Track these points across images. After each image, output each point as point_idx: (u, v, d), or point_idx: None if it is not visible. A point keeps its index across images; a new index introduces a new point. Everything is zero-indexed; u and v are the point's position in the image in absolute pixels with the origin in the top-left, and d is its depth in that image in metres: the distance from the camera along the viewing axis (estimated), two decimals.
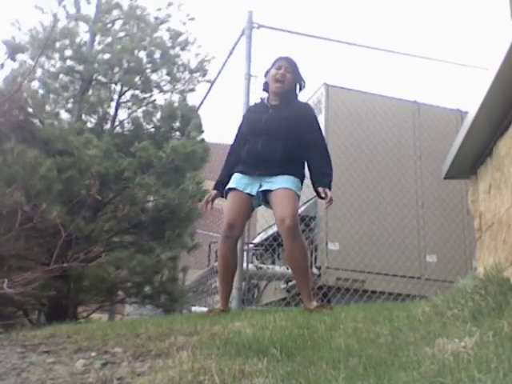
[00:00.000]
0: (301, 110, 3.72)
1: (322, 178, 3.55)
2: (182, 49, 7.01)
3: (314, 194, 3.70)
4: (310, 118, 3.72)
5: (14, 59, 6.02)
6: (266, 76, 3.81)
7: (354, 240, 5.57)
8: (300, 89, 3.78)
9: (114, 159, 5.98)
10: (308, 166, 3.64)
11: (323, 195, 3.49)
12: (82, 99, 6.63)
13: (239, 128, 3.84)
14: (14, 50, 5.85)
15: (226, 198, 3.63)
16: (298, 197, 3.51)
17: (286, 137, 3.53)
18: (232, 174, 3.63)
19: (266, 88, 3.79)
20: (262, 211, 6.51)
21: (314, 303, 3.33)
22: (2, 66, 5.64)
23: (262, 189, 3.48)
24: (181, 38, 7.03)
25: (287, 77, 3.65)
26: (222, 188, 3.65)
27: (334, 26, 38.76)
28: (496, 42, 2.05)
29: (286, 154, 3.50)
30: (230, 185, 3.56)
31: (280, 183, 3.44)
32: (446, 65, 6.62)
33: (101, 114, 6.76)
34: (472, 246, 5.14)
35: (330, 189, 3.51)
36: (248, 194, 3.50)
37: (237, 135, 3.83)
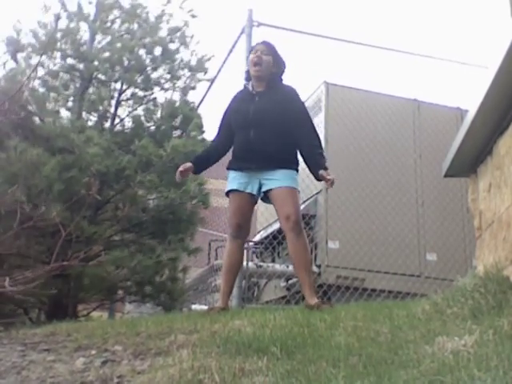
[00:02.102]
0: (287, 93, 3.64)
1: (319, 160, 3.46)
2: (181, 44, 7.00)
3: (314, 192, 3.73)
4: (296, 100, 3.64)
5: (16, 60, 6.02)
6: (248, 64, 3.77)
7: (354, 238, 5.56)
8: (282, 72, 3.68)
9: (115, 157, 5.98)
10: (300, 149, 3.56)
11: (328, 177, 3.35)
12: (83, 97, 6.63)
13: (223, 118, 3.74)
14: (15, 49, 5.85)
15: (227, 196, 3.60)
16: (298, 192, 3.53)
17: (276, 124, 3.48)
18: (204, 158, 3.76)
19: (247, 77, 3.74)
20: (262, 209, 6.51)
21: (316, 299, 3.33)
22: (4, 65, 5.65)
23: (264, 189, 3.48)
24: (179, 33, 7.02)
25: (264, 59, 3.57)
26: (196, 165, 3.68)
27: (334, 24, 38.74)
28: (496, 41, 2.05)
29: (279, 143, 3.47)
30: (230, 186, 3.54)
31: (281, 181, 3.43)
32: (446, 63, 6.63)
33: (101, 112, 6.76)
34: (472, 245, 5.13)
35: (326, 169, 3.41)
36: (249, 193, 3.51)
37: (221, 125, 3.75)
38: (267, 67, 3.58)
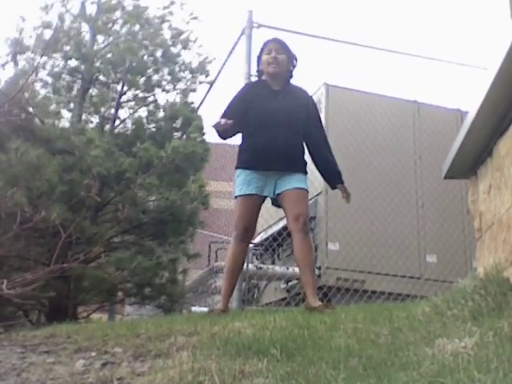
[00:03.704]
0: (302, 96, 3.69)
1: (337, 175, 3.66)
2: (184, 47, 7.02)
3: (314, 194, 3.75)
4: (313, 106, 3.72)
5: (16, 62, 6.02)
6: (258, 63, 3.74)
7: (353, 240, 5.56)
8: (293, 66, 3.70)
9: (115, 159, 5.98)
10: (315, 160, 3.65)
11: (345, 193, 3.63)
12: (84, 99, 6.64)
13: (236, 103, 3.56)
14: (17, 50, 5.85)
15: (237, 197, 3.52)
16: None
17: (300, 128, 3.54)
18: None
19: (260, 75, 3.75)
20: (262, 211, 6.50)
21: (319, 302, 3.32)
22: (3, 66, 5.65)
23: (279, 191, 3.46)
24: (182, 37, 7.04)
25: (279, 59, 3.57)
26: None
27: (334, 25, 38.79)
28: (496, 42, 2.05)
29: (300, 146, 3.56)
30: (248, 190, 3.43)
31: (295, 182, 3.45)
32: (446, 64, 6.62)
33: (102, 113, 6.77)
34: (472, 246, 5.12)
35: (343, 182, 3.66)
36: (265, 196, 3.49)
37: (231, 109, 3.51)
38: (283, 65, 3.59)
